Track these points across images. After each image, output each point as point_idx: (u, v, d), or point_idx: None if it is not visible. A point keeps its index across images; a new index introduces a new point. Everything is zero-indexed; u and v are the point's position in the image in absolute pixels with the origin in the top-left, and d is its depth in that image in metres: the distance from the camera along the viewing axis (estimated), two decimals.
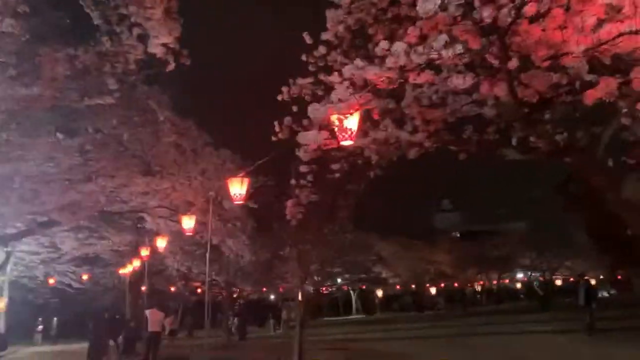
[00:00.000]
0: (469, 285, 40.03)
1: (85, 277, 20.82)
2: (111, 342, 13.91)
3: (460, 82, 3.29)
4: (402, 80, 3.47)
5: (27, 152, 8.30)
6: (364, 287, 39.87)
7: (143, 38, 5.76)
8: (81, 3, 6.20)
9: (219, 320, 23.52)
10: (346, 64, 4.26)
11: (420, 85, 4.17)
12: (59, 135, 7.92)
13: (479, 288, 40.74)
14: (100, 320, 12.21)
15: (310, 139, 3.99)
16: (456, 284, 39.53)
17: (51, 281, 20.60)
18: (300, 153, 4.32)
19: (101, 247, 17.76)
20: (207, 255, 8.64)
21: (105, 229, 16.19)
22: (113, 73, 7.01)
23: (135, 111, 10.31)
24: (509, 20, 2.82)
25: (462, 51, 2.91)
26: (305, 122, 4.56)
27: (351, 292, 40.25)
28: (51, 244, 17.34)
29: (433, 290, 39.79)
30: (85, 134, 9.85)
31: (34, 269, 19.20)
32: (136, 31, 5.69)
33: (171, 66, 5.86)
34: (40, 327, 24.74)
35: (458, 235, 47.10)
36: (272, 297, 37.37)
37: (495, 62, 3.05)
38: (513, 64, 2.87)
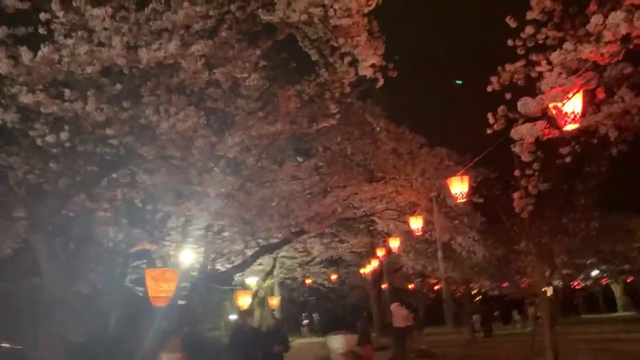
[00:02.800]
0: None
1: (333, 277, 23.49)
2: None
3: None
4: (630, 48, 3.03)
5: (276, 175, 10.05)
6: (630, 279, 33.77)
7: (353, 63, 6.38)
8: (300, 45, 7.23)
9: (460, 317, 23.34)
10: (560, 37, 3.93)
11: None
12: (299, 159, 9.33)
13: None
14: (363, 316, 13.56)
15: (524, 132, 3.80)
16: None
17: (308, 281, 23.83)
18: (517, 149, 4.14)
19: (342, 250, 19.92)
20: (440, 254, 8.81)
21: (344, 233, 18.11)
22: (332, 98, 7.93)
23: (354, 126, 11.35)
24: None
25: None
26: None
27: (612, 286, 34.59)
28: (304, 249, 20.32)
29: None
30: (316, 153, 11.34)
31: (294, 271, 22.67)
32: (347, 59, 6.33)
33: (380, 82, 6.31)
34: (305, 322, 28.85)
35: None
36: (514, 292, 34.99)
37: None
38: None
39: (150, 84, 5.53)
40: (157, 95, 5.74)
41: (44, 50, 4.25)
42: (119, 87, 5.31)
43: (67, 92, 4.68)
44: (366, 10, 5.48)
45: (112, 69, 5.11)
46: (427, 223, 11.24)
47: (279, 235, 12.95)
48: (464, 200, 6.63)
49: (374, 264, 19.32)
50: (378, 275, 21.22)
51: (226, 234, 14.51)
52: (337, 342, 2.92)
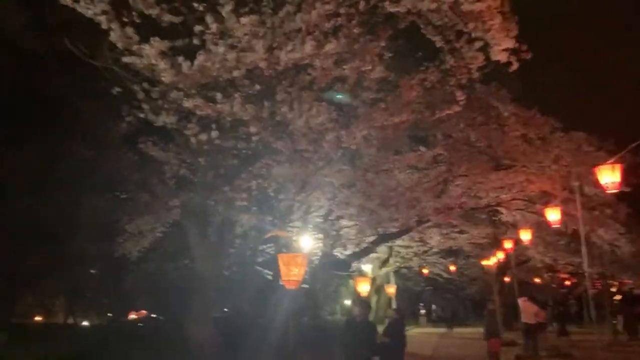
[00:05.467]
0: None
1: (452, 268, 22.81)
2: None
3: None
4: None
5: (393, 165, 9.99)
6: None
7: (483, 48, 6.11)
8: (423, 31, 7.10)
9: (599, 317, 21.13)
10: None
11: None
12: (422, 148, 9.20)
13: None
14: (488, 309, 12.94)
15: None
16: None
17: (425, 271, 23.47)
18: None
19: (462, 240, 19.19)
20: (583, 249, 8.05)
21: (463, 223, 17.44)
22: (458, 84, 7.67)
23: (478, 111, 10.82)
24: None
25: None
26: None
27: None
28: (420, 238, 19.99)
29: None
30: (434, 141, 11.02)
31: (409, 260, 22.46)
32: (476, 44, 6.09)
33: (514, 66, 5.97)
34: (422, 311, 28.54)
35: None
36: None
37: None
38: None
39: (285, 82, 5.89)
40: (289, 93, 6.11)
41: (200, 59, 4.77)
42: (258, 88, 5.76)
43: (218, 96, 5.19)
44: None
45: (252, 72, 5.55)
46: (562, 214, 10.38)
47: (396, 225, 12.92)
48: (616, 190, 5.99)
49: (498, 255, 18.33)
50: (502, 267, 20.14)
51: (344, 222, 14.93)
52: None
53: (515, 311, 16.53)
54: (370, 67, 6.84)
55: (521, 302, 12.16)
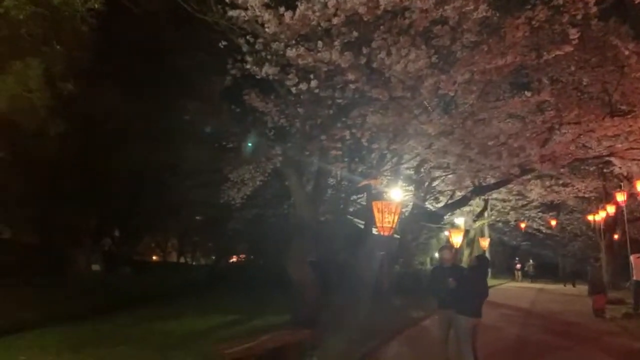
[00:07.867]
0: None
1: (553, 222, 21.57)
2: None
3: None
4: None
5: (491, 114, 9.43)
6: None
7: None
8: None
9: None
10: None
11: None
12: (527, 93, 8.58)
13: None
14: (594, 265, 12.31)
15: None
16: None
17: (522, 225, 22.47)
18: None
19: (565, 194, 17.95)
20: None
21: (568, 176, 16.21)
22: (572, 21, 6.97)
23: (592, 52, 9.75)
24: None
25: None
26: None
27: None
28: (518, 192, 19.02)
29: None
30: (539, 86, 10.17)
31: (506, 214, 21.61)
32: None
33: None
34: (518, 266, 27.59)
35: None
36: None
37: None
38: None
39: (383, 28, 5.78)
40: (385, 39, 5.99)
41: (301, 7, 4.85)
42: (355, 35, 5.72)
43: (319, 44, 5.27)
44: None
45: (351, 18, 5.52)
46: None
47: (496, 174, 12.32)
48: None
49: (608, 210, 16.92)
50: (611, 223, 18.64)
51: (437, 173, 14.61)
52: None
53: (624, 269, 15.40)
54: (472, 7, 6.44)
55: (634, 258, 11.29)
